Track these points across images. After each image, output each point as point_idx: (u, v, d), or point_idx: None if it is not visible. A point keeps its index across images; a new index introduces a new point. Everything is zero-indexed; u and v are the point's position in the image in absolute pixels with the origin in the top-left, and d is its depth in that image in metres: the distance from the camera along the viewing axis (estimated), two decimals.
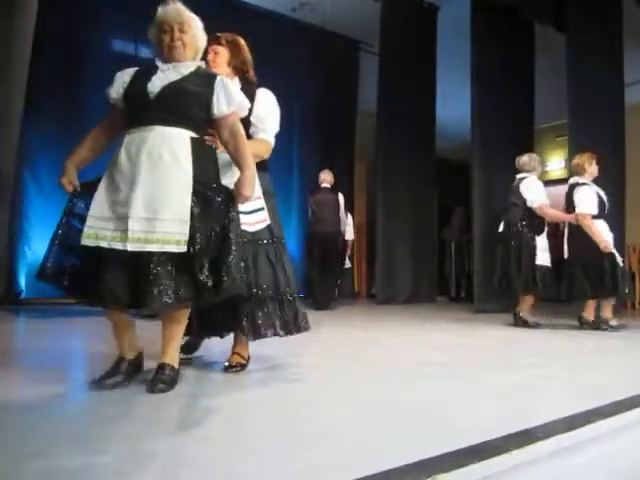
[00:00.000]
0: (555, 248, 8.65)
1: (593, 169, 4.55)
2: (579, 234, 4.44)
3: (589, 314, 4.48)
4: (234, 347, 2.43)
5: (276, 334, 2.32)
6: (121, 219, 1.89)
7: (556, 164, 8.97)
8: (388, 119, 7.12)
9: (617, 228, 5.78)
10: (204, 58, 2.38)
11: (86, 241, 1.91)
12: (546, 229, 4.64)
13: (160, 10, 2.07)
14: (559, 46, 5.73)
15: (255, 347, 2.46)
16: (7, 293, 5.33)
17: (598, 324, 4.38)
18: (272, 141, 2.43)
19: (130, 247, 1.85)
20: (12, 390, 1.95)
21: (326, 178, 6.21)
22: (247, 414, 1.71)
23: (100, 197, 1.97)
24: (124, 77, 2.11)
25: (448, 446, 1.34)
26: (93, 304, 2.09)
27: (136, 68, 2.15)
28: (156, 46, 2.12)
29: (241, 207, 2.10)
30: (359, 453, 1.34)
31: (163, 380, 1.95)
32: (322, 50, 7.78)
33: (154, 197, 1.90)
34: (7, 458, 1.26)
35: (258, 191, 2.24)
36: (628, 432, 1.74)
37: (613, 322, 4.40)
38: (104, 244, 1.89)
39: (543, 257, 4.54)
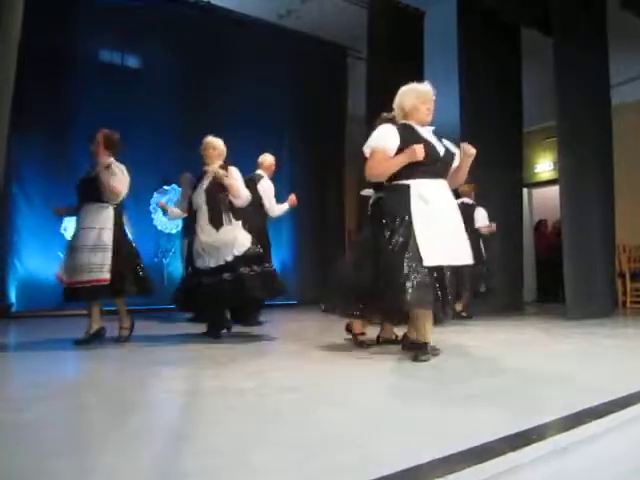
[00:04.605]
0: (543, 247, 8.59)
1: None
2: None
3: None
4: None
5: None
6: None
7: (545, 166, 9.03)
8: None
9: (607, 228, 5.83)
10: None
11: None
12: None
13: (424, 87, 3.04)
14: (546, 49, 5.78)
15: (249, 357, 2.45)
16: None
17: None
18: None
19: None
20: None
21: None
22: (242, 423, 1.69)
23: None
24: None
25: (443, 451, 1.34)
26: None
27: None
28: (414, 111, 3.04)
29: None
30: (354, 460, 1.33)
31: None
32: (310, 57, 7.81)
33: None
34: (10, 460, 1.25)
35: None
36: (623, 431, 1.74)
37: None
38: None
39: None
